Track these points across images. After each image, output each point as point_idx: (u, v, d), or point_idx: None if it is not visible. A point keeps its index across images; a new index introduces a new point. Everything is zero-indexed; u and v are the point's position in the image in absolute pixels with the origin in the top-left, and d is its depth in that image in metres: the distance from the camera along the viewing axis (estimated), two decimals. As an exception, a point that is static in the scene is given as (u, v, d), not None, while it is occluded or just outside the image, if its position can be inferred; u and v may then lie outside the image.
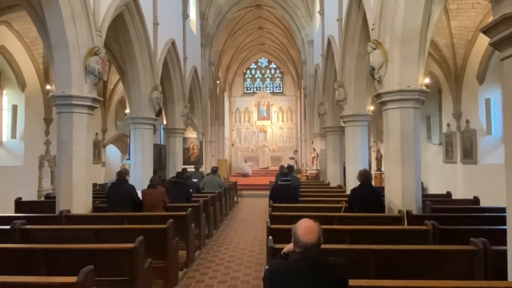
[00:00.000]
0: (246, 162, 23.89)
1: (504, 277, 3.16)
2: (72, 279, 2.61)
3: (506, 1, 2.97)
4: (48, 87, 9.82)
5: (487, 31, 3.24)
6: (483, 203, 7.25)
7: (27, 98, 10.18)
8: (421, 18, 5.92)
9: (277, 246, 3.51)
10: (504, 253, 3.17)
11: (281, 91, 29.11)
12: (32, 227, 4.71)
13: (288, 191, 6.81)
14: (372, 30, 6.83)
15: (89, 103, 6.54)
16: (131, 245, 3.62)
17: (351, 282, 2.37)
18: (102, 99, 7.59)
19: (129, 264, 3.63)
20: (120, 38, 9.38)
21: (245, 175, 22.30)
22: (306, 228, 2.34)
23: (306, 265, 2.26)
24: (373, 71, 6.42)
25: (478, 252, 3.37)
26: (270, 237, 3.72)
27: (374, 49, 6.38)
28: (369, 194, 5.67)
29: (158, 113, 14.56)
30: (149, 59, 9.92)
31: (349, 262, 3.44)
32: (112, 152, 16.17)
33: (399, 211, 5.51)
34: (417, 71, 6.07)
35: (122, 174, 6.50)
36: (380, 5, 6.29)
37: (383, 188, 6.51)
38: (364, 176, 5.74)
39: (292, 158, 23.00)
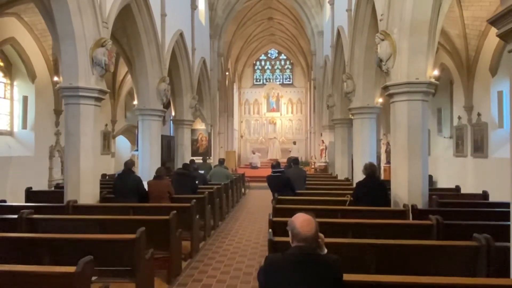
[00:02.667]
0: (254, 154, 23.90)
1: (507, 274, 3.10)
2: (71, 269, 2.65)
3: (514, -9, 2.86)
4: (55, 78, 9.92)
5: (494, 22, 3.13)
6: (493, 198, 7.11)
7: (37, 90, 10.32)
8: (431, 8, 5.77)
9: (277, 239, 3.51)
10: (507, 250, 3.11)
11: (291, 82, 28.91)
12: (38, 216, 4.81)
13: (279, 182, 6.92)
14: (380, 20, 6.69)
15: (96, 95, 6.60)
16: (132, 236, 3.66)
17: (346, 276, 2.36)
18: (109, 90, 7.63)
19: (130, 255, 3.68)
20: (128, 30, 9.41)
21: (254, 167, 22.35)
22: (303, 221, 2.32)
23: (303, 259, 2.26)
24: (381, 62, 6.32)
25: (481, 248, 3.32)
26: (270, 229, 3.72)
27: (382, 40, 6.26)
28: (374, 187, 5.63)
29: (167, 105, 14.64)
30: (157, 50, 9.93)
31: (349, 257, 3.44)
32: (122, 143, 16.33)
33: (404, 205, 5.45)
34: (426, 63, 5.94)
35: (128, 165, 6.56)
36: (388, -6, 6.15)
37: (389, 181, 6.44)
38: (370, 169, 5.68)
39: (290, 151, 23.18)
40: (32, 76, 10.15)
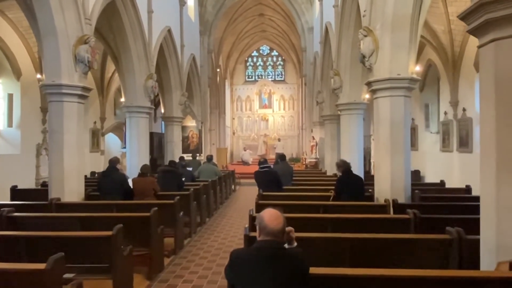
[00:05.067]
0: (245, 151, 23.92)
1: (478, 266, 3.16)
2: (41, 266, 2.65)
3: (482, -13, 2.89)
4: (38, 76, 9.83)
5: (464, 17, 3.16)
6: (477, 192, 7.18)
7: (23, 87, 10.22)
8: (412, 4, 5.81)
9: (253, 234, 3.53)
10: (478, 242, 3.16)
11: (282, 79, 28.90)
12: (19, 214, 4.80)
13: (267, 177, 6.98)
14: (363, 16, 6.73)
15: (79, 92, 6.56)
16: (109, 233, 3.66)
17: (313, 270, 2.39)
18: (92, 88, 7.60)
19: (107, 251, 3.68)
20: (114, 26, 9.33)
21: (245, 163, 22.38)
22: (272, 215, 2.35)
23: (268, 253, 2.28)
24: (364, 58, 6.37)
25: (453, 241, 3.37)
26: (247, 225, 3.75)
27: (365, 36, 6.31)
28: (353, 182, 5.77)
29: (158, 102, 14.56)
30: (144, 47, 9.87)
31: (325, 251, 3.48)
32: (111, 141, 16.23)
33: (385, 200, 5.51)
34: (408, 59, 5.99)
35: (113, 163, 6.53)
36: (371, -10, 6.17)
37: (371, 176, 6.51)
38: (344, 166, 5.84)
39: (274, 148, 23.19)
40: (17, 73, 10.04)
